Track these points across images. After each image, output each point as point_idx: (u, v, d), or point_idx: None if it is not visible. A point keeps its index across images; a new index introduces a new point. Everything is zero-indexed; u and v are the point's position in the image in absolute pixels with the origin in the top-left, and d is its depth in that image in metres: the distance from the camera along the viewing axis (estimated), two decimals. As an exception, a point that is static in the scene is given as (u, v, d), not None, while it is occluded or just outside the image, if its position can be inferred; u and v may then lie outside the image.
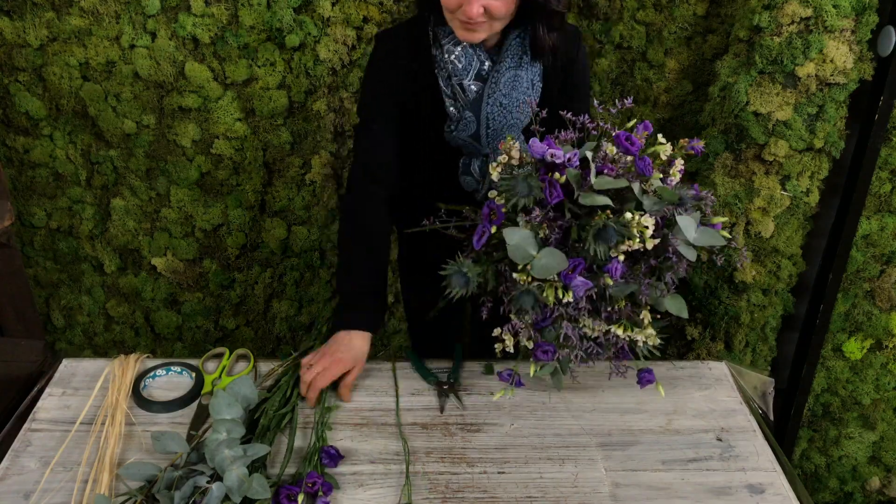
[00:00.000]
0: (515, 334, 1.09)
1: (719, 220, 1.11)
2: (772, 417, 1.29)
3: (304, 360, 1.22)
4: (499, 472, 1.06)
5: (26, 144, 1.87)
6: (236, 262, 2.04)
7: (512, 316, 1.09)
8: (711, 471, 1.09)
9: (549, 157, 1.04)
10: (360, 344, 1.24)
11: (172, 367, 1.23)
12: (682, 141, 1.14)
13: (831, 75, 1.53)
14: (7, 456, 1.05)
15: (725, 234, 1.09)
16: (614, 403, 1.21)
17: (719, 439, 1.15)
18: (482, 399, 1.21)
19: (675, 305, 1.10)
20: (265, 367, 1.26)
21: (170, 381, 1.21)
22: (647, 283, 1.06)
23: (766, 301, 1.76)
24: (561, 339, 1.08)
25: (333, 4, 1.75)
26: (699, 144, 1.12)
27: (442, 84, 1.29)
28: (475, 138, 1.31)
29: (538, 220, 1.04)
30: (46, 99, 1.82)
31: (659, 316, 1.11)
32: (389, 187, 1.35)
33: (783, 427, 1.87)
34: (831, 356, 1.87)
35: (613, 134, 1.10)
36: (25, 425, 1.10)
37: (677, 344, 1.90)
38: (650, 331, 1.08)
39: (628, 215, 1.03)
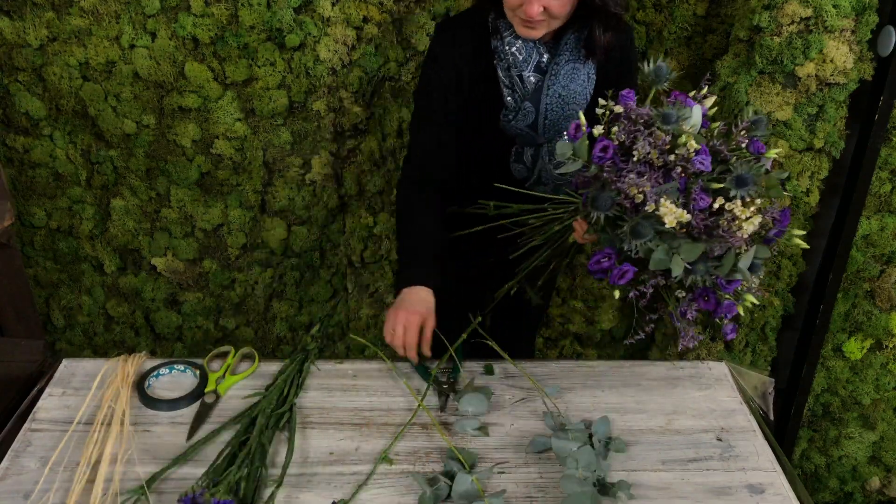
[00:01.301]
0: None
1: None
2: (772, 417, 1.29)
3: (385, 333, 1.25)
4: (499, 472, 1.06)
5: (26, 144, 1.87)
6: (236, 262, 2.04)
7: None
8: (711, 471, 1.09)
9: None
10: (426, 296, 1.27)
11: (176, 366, 1.23)
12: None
13: (831, 75, 1.53)
14: (7, 456, 1.05)
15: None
16: (614, 403, 1.21)
17: (719, 439, 1.15)
18: (482, 399, 1.21)
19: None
20: (266, 367, 1.26)
21: (173, 380, 1.21)
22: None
23: (766, 301, 1.76)
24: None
25: (333, 4, 1.75)
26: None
27: (501, 74, 1.35)
28: (532, 128, 1.37)
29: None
30: (46, 99, 1.82)
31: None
32: (444, 186, 1.41)
33: (783, 427, 1.87)
34: (831, 356, 1.87)
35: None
36: (25, 425, 1.10)
37: (678, 344, 1.90)
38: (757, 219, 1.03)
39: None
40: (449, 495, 1.00)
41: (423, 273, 1.31)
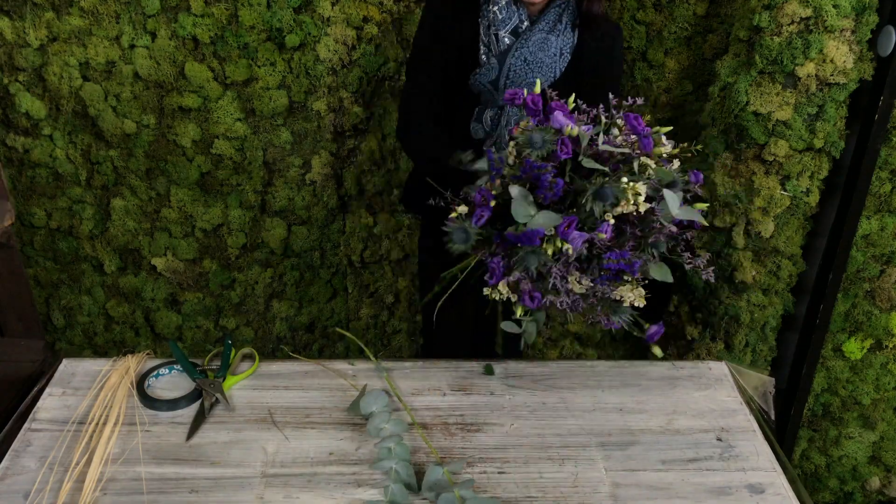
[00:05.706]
0: (515, 286, 1.11)
1: (700, 206, 1.15)
2: (773, 417, 1.29)
3: None
4: (499, 473, 1.06)
5: (26, 144, 1.87)
6: (236, 262, 2.04)
7: (516, 271, 1.11)
8: (711, 471, 1.09)
9: (566, 129, 1.08)
10: None
11: (176, 366, 1.23)
12: (682, 144, 1.16)
13: (831, 75, 1.53)
14: (7, 456, 1.05)
15: (702, 208, 1.14)
16: (614, 403, 1.21)
17: (719, 439, 1.15)
18: (482, 399, 1.21)
19: (660, 272, 1.11)
20: (266, 367, 1.26)
21: (173, 380, 1.21)
22: (631, 245, 1.09)
23: (766, 301, 1.76)
24: (549, 287, 1.10)
25: (333, 4, 1.75)
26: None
27: (482, 32, 1.40)
28: (494, 85, 1.41)
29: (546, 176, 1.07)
30: (46, 99, 1.82)
31: (645, 285, 1.14)
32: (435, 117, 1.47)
33: (783, 427, 1.87)
34: (831, 356, 1.87)
35: (623, 114, 1.14)
36: (25, 425, 1.10)
37: (677, 344, 1.90)
38: (638, 290, 1.10)
39: (624, 179, 1.06)
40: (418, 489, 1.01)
41: None
